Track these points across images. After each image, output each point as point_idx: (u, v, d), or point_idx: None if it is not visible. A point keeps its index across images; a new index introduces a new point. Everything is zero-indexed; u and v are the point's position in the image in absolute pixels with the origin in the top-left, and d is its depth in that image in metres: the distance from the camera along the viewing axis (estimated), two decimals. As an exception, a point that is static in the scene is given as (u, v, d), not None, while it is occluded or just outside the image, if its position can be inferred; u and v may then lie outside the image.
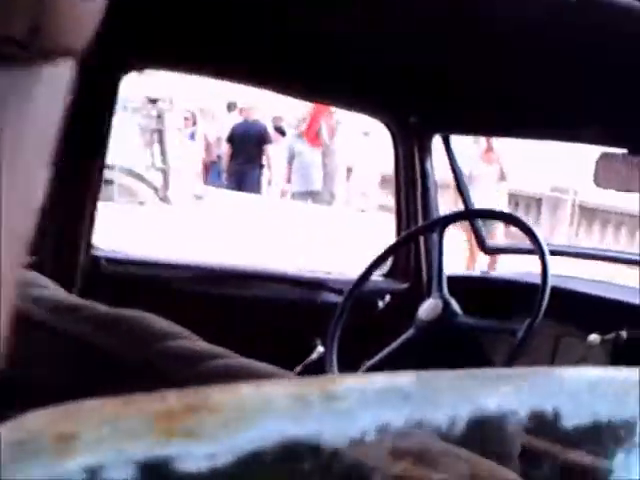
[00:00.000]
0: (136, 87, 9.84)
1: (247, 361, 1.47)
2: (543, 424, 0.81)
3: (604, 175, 2.65)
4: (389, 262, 3.14)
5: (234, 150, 12.04)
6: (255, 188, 12.26)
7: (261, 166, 12.52)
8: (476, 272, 3.29)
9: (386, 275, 3.16)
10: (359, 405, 0.68)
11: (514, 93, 2.52)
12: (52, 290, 1.85)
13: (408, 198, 3.09)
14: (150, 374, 1.43)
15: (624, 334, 2.66)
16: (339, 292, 2.86)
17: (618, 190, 2.70)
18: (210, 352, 1.46)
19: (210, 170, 13.62)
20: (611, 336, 2.66)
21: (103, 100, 2.51)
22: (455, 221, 2.81)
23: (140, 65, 2.63)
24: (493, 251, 3.24)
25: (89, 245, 2.62)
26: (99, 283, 2.63)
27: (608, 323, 2.70)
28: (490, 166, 9.14)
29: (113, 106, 2.56)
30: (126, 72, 2.53)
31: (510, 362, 2.44)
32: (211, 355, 1.44)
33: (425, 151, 3.06)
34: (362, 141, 12.57)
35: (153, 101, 10.18)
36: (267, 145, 12.25)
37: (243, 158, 12.03)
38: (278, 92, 3.01)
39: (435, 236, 2.77)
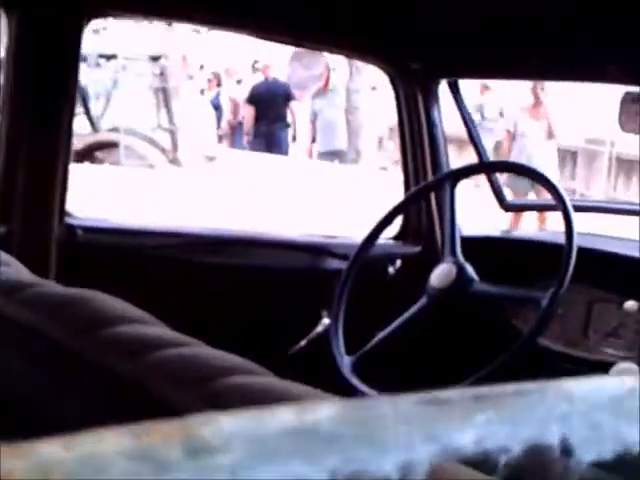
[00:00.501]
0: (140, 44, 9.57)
1: (206, 351, 1.18)
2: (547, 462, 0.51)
3: (627, 118, 2.35)
4: (399, 223, 2.85)
5: (257, 111, 11.71)
6: (283, 149, 11.94)
7: (287, 125, 12.17)
8: (495, 232, 2.94)
9: (396, 238, 2.87)
10: (249, 459, 0.41)
11: (521, 29, 2.24)
12: (8, 269, 1.58)
13: (415, 151, 2.79)
14: (92, 366, 1.17)
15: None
16: (344, 258, 2.57)
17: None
18: (165, 340, 1.18)
19: (236, 132, 13.30)
20: None
21: (66, 50, 2.25)
22: (467, 175, 2.50)
23: (104, 11, 2.37)
24: (513, 208, 2.95)
25: (63, 212, 2.35)
26: (76, 254, 2.36)
27: None
28: (537, 122, 8.65)
29: (78, 57, 2.29)
30: (89, 19, 2.27)
31: (535, 335, 2.15)
32: (166, 343, 1.16)
33: (430, 99, 2.76)
34: (371, 96, 12.18)
35: (155, 59, 9.82)
36: (291, 102, 11.90)
37: (268, 118, 11.69)
38: (270, 38, 2.74)
39: (447, 193, 2.47)
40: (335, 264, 2.64)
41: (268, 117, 11.68)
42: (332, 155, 11.31)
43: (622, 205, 2.93)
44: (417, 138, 2.78)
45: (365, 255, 2.51)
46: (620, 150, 12.49)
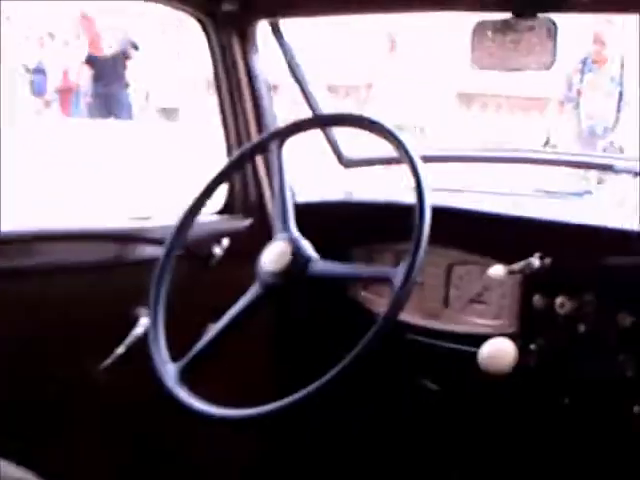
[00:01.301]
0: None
1: None
2: None
3: (480, 53, 2.01)
4: (224, 194, 2.45)
5: (95, 71, 11.03)
6: (125, 110, 11.26)
7: (127, 85, 11.51)
8: (336, 194, 2.54)
9: (221, 212, 2.47)
10: None
11: None
12: None
13: (235, 108, 2.39)
14: None
15: (536, 262, 2.03)
16: (160, 243, 2.14)
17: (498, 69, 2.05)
18: None
19: (69, 97, 12.50)
20: (519, 266, 2.03)
21: None
22: (296, 132, 2.10)
23: None
24: (353, 164, 2.58)
25: None
26: None
27: (516, 248, 2.07)
28: None
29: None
30: None
31: (390, 319, 1.76)
32: None
33: (249, 45, 2.35)
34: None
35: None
36: (128, 61, 11.25)
37: (107, 79, 11.04)
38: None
39: (274, 155, 2.07)
40: (149, 251, 2.22)
41: (106, 77, 11.05)
42: (167, 112, 10.81)
43: (476, 152, 2.58)
44: (236, 92, 2.38)
45: (184, 236, 2.09)
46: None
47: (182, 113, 11.01)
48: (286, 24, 2.40)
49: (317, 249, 1.97)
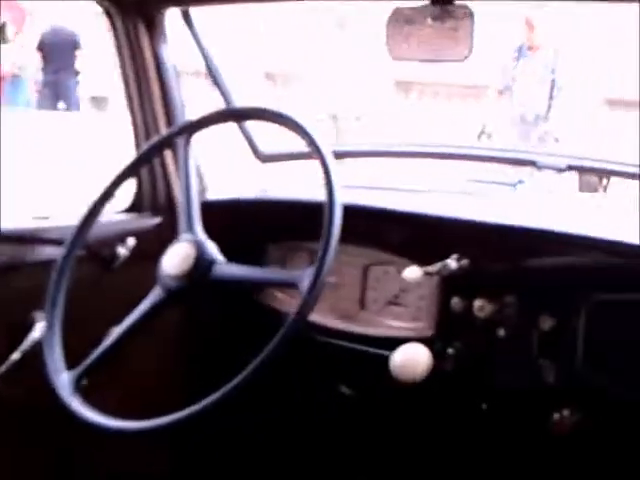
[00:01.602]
0: None
1: None
2: None
3: (394, 42, 1.90)
4: (132, 191, 2.33)
5: (45, 58, 10.77)
6: (72, 99, 11.01)
7: (77, 73, 11.24)
8: (251, 192, 2.42)
9: (129, 210, 2.35)
10: None
11: None
12: None
13: (142, 101, 2.27)
14: None
15: (453, 263, 1.94)
16: (59, 243, 2.01)
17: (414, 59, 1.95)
18: None
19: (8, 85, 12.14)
20: (435, 267, 1.94)
21: None
22: (206, 126, 1.99)
23: None
24: (270, 158, 2.46)
25: None
26: None
27: (433, 249, 1.98)
28: None
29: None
30: None
31: (298, 324, 1.66)
32: None
33: (156, 34, 2.23)
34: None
35: None
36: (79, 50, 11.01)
37: (56, 66, 10.79)
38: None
39: (181, 150, 1.96)
40: (48, 252, 2.08)
41: (55, 65, 10.81)
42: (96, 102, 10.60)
43: (401, 148, 2.47)
44: (144, 84, 2.26)
45: (85, 236, 1.97)
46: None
47: (111, 102, 10.77)
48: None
49: (229, 248, 1.87)
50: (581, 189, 2.48)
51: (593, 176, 2.44)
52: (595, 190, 2.48)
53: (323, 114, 7.91)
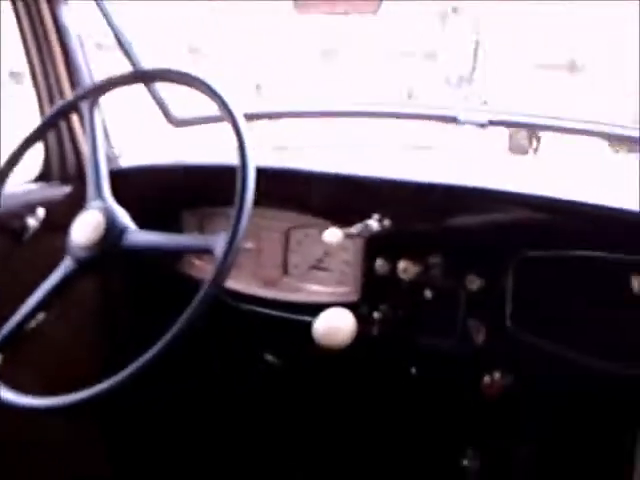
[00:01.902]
0: None
1: None
2: None
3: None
4: (40, 159, 2.22)
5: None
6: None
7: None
8: (164, 158, 2.32)
9: (37, 179, 2.23)
10: None
11: None
12: None
13: (44, 63, 2.16)
14: None
15: (374, 224, 1.86)
16: None
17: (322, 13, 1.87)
18: None
19: None
20: (356, 229, 1.86)
21: None
22: (111, 89, 1.89)
23: None
24: (183, 123, 2.36)
25: None
26: None
27: (354, 210, 1.90)
28: None
29: None
30: None
31: (213, 289, 1.59)
32: None
33: None
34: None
35: None
36: None
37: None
38: None
39: (86, 115, 1.86)
40: None
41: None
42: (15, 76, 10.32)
43: (314, 108, 2.37)
44: (45, 48, 2.15)
45: None
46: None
47: (26, 76, 10.54)
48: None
49: (144, 217, 1.77)
50: (512, 151, 2.43)
51: (523, 138, 2.39)
52: (525, 152, 2.43)
53: (248, 84, 7.79)
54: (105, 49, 2.36)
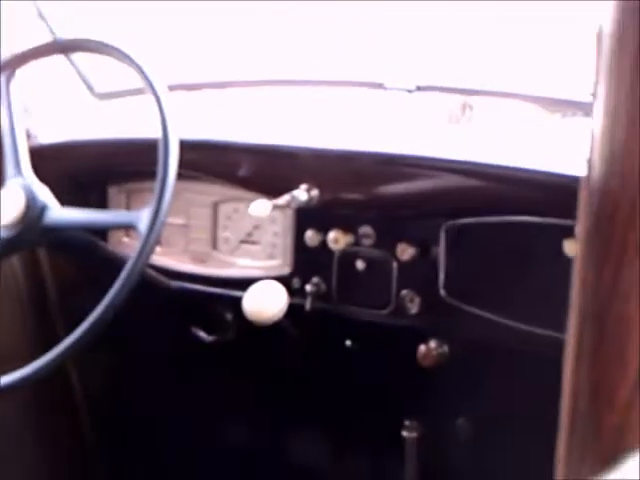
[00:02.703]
0: None
1: None
2: None
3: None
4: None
5: None
6: None
7: None
8: (86, 133, 2.22)
9: None
10: None
11: None
12: None
13: None
14: None
15: (302, 195, 1.79)
16: None
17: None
18: None
19: None
20: (284, 200, 1.79)
21: None
22: (28, 61, 1.80)
23: None
24: (106, 96, 2.28)
25: None
26: None
27: (281, 181, 1.83)
28: None
29: None
30: None
31: (138, 266, 1.52)
32: None
33: None
34: None
35: None
36: None
37: None
38: None
39: (2, 89, 1.78)
40: None
41: None
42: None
43: (238, 78, 2.29)
44: None
45: None
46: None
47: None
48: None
49: (67, 194, 1.73)
50: (450, 121, 2.37)
51: (455, 107, 2.33)
52: (457, 120, 2.37)
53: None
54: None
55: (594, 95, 0.83)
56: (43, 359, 1.52)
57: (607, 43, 0.80)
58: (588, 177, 0.83)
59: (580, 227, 0.85)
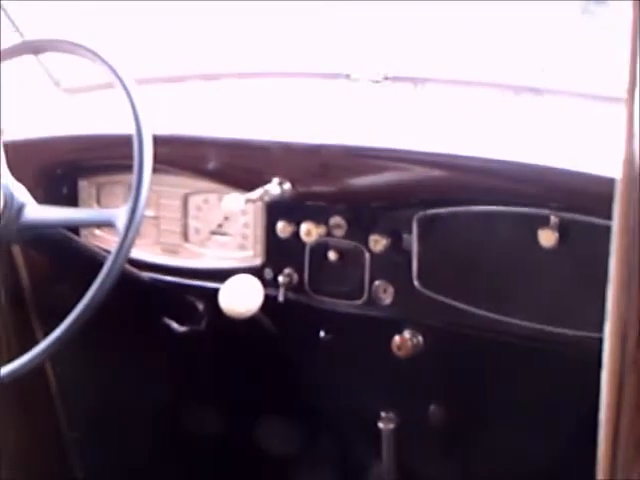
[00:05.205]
0: None
1: None
2: None
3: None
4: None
5: None
6: None
7: None
8: (56, 129, 2.13)
9: None
10: None
11: None
12: None
13: None
14: None
15: (275, 188, 1.72)
16: None
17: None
18: None
19: None
20: (257, 194, 1.71)
21: None
22: (2, 60, 1.73)
23: None
24: (75, 90, 2.19)
25: None
26: None
27: (253, 175, 1.76)
28: None
29: None
30: None
31: (118, 263, 1.44)
32: None
33: None
34: None
35: None
36: None
37: None
38: None
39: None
40: None
41: None
42: None
43: (206, 71, 2.20)
44: None
45: None
46: None
47: None
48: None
49: (41, 191, 1.73)
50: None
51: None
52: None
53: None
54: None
55: (629, 93, 0.77)
56: (26, 357, 1.47)
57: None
58: (627, 172, 0.77)
59: (618, 224, 0.79)
